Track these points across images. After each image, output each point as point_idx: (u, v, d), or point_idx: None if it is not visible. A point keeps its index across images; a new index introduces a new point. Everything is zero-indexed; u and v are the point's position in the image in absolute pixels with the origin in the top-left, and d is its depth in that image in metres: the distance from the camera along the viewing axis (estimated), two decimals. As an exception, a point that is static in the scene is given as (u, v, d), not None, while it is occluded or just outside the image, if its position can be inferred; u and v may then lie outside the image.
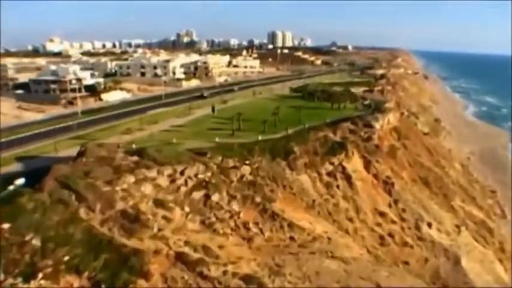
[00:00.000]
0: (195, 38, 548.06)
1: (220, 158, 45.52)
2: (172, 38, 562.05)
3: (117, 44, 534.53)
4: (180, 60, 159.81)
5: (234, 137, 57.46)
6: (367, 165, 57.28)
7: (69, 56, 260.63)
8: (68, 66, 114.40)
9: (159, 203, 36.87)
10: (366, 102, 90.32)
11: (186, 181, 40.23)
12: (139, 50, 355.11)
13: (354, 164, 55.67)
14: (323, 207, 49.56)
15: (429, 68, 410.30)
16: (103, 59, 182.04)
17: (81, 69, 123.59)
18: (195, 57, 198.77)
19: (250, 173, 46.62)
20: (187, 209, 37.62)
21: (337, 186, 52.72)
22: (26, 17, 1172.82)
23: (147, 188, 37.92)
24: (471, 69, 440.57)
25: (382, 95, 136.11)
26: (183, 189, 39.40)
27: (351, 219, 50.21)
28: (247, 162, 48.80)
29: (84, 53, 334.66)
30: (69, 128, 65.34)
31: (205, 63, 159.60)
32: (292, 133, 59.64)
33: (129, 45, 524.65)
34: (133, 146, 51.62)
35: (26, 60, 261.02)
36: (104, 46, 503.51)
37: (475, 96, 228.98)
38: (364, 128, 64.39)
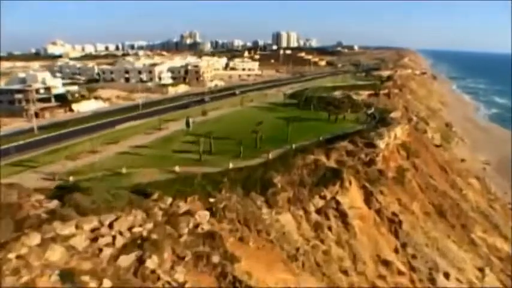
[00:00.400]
0: (198, 40, 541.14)
1: (169, 200, 34.55)
2: (176, 39, 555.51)
3: (120, 46, 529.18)
4: (167, 64, 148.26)
5: (200, 163, 46.26)
6: (368, 198, 45.72)
7: (56, 59, 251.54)
8: (37, 73, 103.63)
9: (67, 276, 26.00)
10: (370, 112, 78.79)
11: (113, 239, 29.24)
12: (141, 52, 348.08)
13: (352, 197, 44.28)
14: (309, 257, 38.72)
15: (436, 68, 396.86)
16: (90, 64, 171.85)
17: (55, 75, 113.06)
18: (192, 60, 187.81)
19: (212, 217, 35.69)
20: (107, 283, 26.54)
21: (329, 228, 41.69)
22: (34, 19, 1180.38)
23: (55, 253, 26.89)
24: (476, 68, 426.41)
25: (389, 98, 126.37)
26: (107, 252, 28.36)
27: (345, 272, 39.57)
28: (210, 200, 38.01)
29: (85, 56, 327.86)
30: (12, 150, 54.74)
31: (196, 66, 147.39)
32: (274, 157, 48.19)
33: (132, 47, 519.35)
34: (71, 178, 41.11)
35: (19, 64, 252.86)
36: (106, 48, 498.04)
37: (484, 97, 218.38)
38: (365, 148, 52.64)
